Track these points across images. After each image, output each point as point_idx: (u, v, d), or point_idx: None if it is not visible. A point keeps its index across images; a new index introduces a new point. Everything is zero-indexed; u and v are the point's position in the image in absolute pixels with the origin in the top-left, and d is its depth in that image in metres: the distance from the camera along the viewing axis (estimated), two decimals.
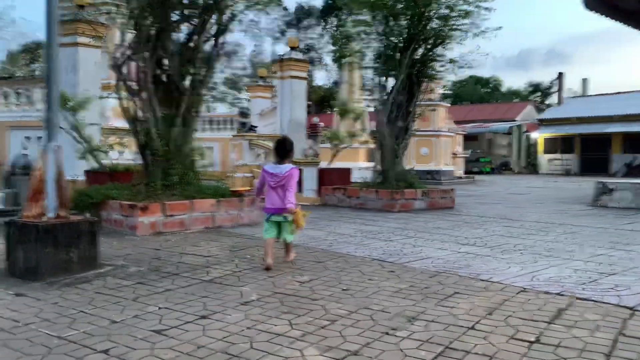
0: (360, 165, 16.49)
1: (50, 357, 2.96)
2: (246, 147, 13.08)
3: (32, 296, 4.16)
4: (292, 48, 14.59)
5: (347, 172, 12.54)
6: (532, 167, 40.07)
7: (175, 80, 8.00)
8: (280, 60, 14.43)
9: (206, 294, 4.24)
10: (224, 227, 7.86)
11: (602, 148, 35.41)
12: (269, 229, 5.26)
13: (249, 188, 11.51)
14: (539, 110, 46.25)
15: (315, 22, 50.79)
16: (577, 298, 4.10)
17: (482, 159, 38.20)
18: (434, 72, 12.00)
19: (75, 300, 4.05)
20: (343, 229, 7.83)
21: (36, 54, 33.38)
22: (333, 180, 11.79)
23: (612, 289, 4.37)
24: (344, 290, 4.34)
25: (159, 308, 3.86)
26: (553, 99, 51.11)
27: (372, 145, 16.71)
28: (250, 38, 52.65)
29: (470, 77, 50.92)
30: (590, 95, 40.71)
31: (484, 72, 55.70)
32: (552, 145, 38.31)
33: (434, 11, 11.07)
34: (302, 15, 50.66)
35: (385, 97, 11.40)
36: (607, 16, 14.23)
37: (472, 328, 3.42)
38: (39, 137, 12.20)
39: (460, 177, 25.68)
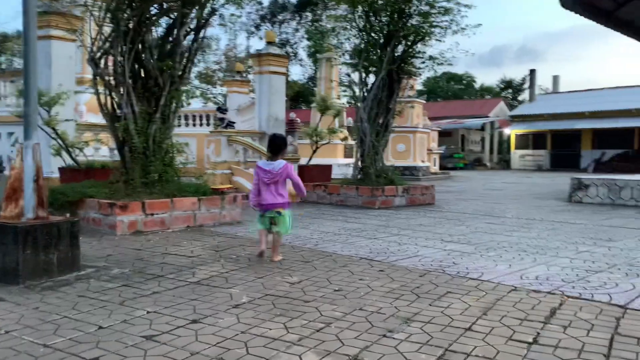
0: (339, 161, 16.44)
1: None
2: (225, 143, 12.89)
3: (12, 301, 3.98)
4: (270, 43, 14.41)
5: (327, 168, 12.48)
6: (504, 163, 40.69)
7: (154, 75, 7.79)
8: (258, 55, 14.23)
9: (195, 297, 4.12)
10: (205, 225, 7.71)
11: (573, 144, 36.18)
12: (262, 222, 5.40)
13: (230, 186, 11.37)
14: (511, 106, 46.94)
15: (290, 16, 50.51)
16: (568, 297, 4.12)
17: (456, 154, 38.60)
18: (413, 69, 12.01)
19: (57, 305, 3.90)
20: (327, 227, 7.77)
21: (2, 47, 32.38)
22: (313, 176, 11.72)
23: (601, 286, 4.41)
24: (335, 291, 4.28)
25: (148, 312, 3.73)
26: (525, 95, 51.90)
27: (351, 142, 16.69)
28: (225, 32, 52.15)
29: (444, 73, 51.29)
30: (561, 92, 41.50)
31: (457, 69, 56.18)
32: (524, 141, 38.96)
33: (414, 8, 11.06)
34: (277, 9, 50.30)
35: (366, 94, 11.37)
36: (582, 15, 14.44)
37: (469, 329, 3.39)
38: (10, 133, 11.83)
39: (436, 173, 25.91)
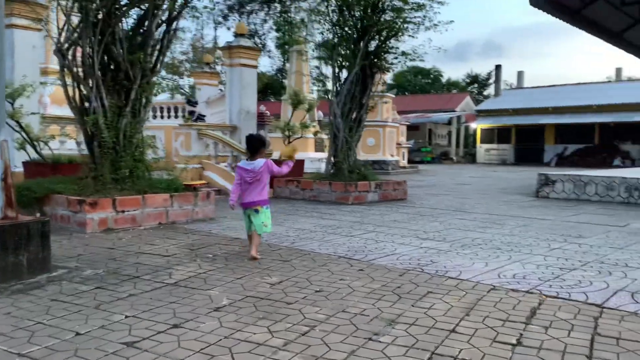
0: (310, 155, 16.39)
1: None
2: (195, 137, 12.67)
3: None
4: (241, 35, 14.21)
5: (300, 163, 12.39)
6: (470, 157, 41.37)
7: (124, 67, 7.57)
8: (229, 48, 14.01)
9: (174, 299, 4.02)
10: (178, 222, 7.57)
11: (536, 139, 37.03)
12: (246, 222, 5.52)
13: (203, 182, 11.19)
14: (477, 101, 47.67)
15: (259, 7, 49.95)
16: (547, 296, 4.18)
17: (423, 148, 39.04)
18: (386, 64, 12.03)
19: (30, 310, 3.75)
20: (302, 224, 7.72)
21: None
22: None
23: (576, 285, 4.49)
24: (317, 291, 4.24)
25: (126, 317, 3.62)
26: (490, 90, 52.81)
27: (322, 136, 16.64)
28: (192, 22, 51.22)
29: (412, 67, 51.69)
30: (526, 88, 42.33)
31: (424, 63, 56.65)
32: (489, 136, 39.67)
33: (387, 3, 11.06)
34: None
35: (339, 89, 11.33)
36: (549, 13, 14.68)
37: (454, 331, 3.41)
38: None
39: (405, 167, 26.12)
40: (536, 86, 41.79)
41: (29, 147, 8.93)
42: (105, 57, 7.60)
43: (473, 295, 4.18)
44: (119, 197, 7.01)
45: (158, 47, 8.01)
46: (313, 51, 13.22)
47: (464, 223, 8.06)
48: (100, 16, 7.34)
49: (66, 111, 9.05)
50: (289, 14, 14.42)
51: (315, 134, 16.08)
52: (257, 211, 5.38)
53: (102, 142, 7.40)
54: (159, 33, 8.05)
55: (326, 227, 7.46)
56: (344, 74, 11.52)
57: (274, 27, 46.93)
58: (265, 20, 50.45)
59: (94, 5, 7.33)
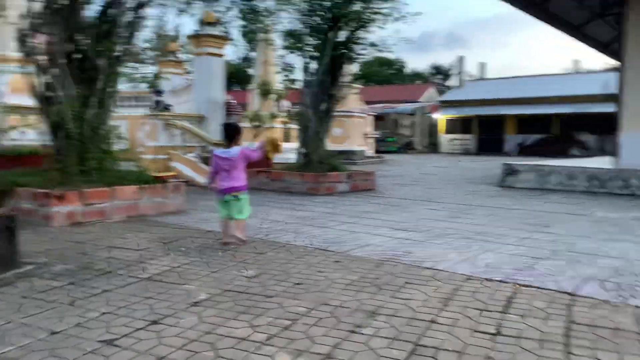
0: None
1: None
2: (162, 127, 12.42)
3: None
4: (209, 23, 13.96)
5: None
6: (433, 147, 41.90)
7: (90, 56, 7.34)
8: (196, 36, 13.77)
9: (150, 295, 3.95)
10: (148, 215, 7.42)
11: (498, 129, 37.74)
12: (222, 209, 5.59)
13: (174, 173, 10.99)
14: (441, 92, 48.26)
15: None
16: (521, 285, 4.28)
17: (388, 138, 39.29)
18: (355, 55, 12.01)
19: (0, 308, 3.62)
20: (275, 215, 7.68)
21: None
22: (255, 162, 11.50)
23: (548, 274, 4.61)
24: (296, 284, 4.23)
25: (102, 313, 3.54)
26: (453, 81, 53.51)
27: (291, 126, 16.56)
28: (154, 9, 49.99)
29: (378, 58, 51.90)
30: (489, 79, 43.06)
31: (390, 54, 56.99)
32: (453, 126, 40.22)
33: None
34: None
35: (310, 79, 11.27)
36: (513, 5, 14.91)
37: (434, 322, 3.45)
38: None
39: (371, 157, 26.28)
40: (497, 77, 42.56)
41: None
42: (71, 45, 7.34)
43: (450, 286, 4.24)
44: (87, 190, 6.82)
45: (125, 35, 7.80)
46: (283, 41, 13.09)
47: (434, 213, 8.17)
48: (65, 2, 7.08)
49: (27, 100, 8.71)
50: (254, 1, 14.21)
51: (284, 123, 15.98)
52: (237, 197, 5.51)
53: (68, 132, 7.18)
54: (125, 21, 7.82)
55: (300, 219, 7.45)
56: (313, 64, 11.45)
57: (239, 15, 46.31)
58: (229, 8, 49.67)
59: None
